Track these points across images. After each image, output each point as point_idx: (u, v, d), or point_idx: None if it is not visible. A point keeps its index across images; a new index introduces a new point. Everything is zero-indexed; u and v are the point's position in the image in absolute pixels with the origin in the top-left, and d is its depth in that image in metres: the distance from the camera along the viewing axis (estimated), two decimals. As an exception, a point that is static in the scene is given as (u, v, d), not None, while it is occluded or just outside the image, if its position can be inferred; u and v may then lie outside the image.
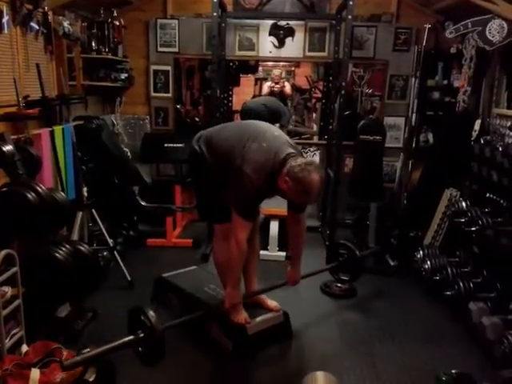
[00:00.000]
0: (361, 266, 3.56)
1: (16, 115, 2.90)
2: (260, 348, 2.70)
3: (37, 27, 3.20)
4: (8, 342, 2.27)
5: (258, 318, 2.74)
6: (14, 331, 2.35)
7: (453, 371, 2.06)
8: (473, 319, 2.83)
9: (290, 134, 6.27)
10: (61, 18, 3.53)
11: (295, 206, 2.64)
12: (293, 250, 2.92)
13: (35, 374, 2.03)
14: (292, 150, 2.46)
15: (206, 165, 2.60)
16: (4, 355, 2.19)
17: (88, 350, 2.24)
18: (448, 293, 3.16)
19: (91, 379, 2.23)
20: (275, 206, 3.77)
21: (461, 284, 3.08)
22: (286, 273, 2.96)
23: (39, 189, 2.53)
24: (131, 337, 2.28)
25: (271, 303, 2.87)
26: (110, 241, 3.52)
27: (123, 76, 4.64)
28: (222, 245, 2.71)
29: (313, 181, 2.31)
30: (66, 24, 3.53)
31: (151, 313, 2.28)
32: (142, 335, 2.27)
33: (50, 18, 3.32)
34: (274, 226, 4.18)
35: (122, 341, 2.25)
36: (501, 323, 2.64)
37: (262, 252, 4.01)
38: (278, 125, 4.65)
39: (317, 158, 5.39)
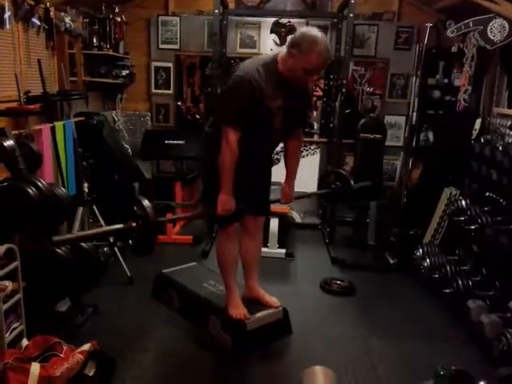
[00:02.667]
0: (353, 195, 3.27)
1: (17, 110, 2.90)
2: (259, 344, 2.71)
3: (38, 23, 3.20)
4: (8, 336, 2.28)
5: (258, 314, 2.75)
6: (15, 325, 2.36)
7: (451, 368, 2.07)
8: (471, 317, 2.84)
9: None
10: (62, 14, 3.53)
11: (299, 113, 2.55)
12: (289, 167, 2.78)
13: (35, 367, 2.04)
14: None
15: (210, 142, 2.55)
16: (4, 349, 2.19)
17: (89, 345, 2.26)
18: (447, 291, 3.17)
19: (90, 374, 2.24)
20: (275, 203, 3.78)
21: (460, 282, 3.09)
22: (280, 190, 2.86)
23: (40, 184, 2.53)
24: (122, 225, 2.15)
25: (270, 299, 2.87)
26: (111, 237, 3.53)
27: (124, 72, 4.64)
28: (225, 244, 2.72)
29: (316, 34, 2.28)
30: (67, 20, 3.54)
31: (146, 201, 2.15)
32: (134, 224, 2.13)
33: (52, 13, 3.32)
34: (274, 224, 4.19)
35: (114, 227, 2.14)
36: (499, 321, 2.65)
37: (262, 249, 4.02)
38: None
39: (317, 156, 5.40)
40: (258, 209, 2.77)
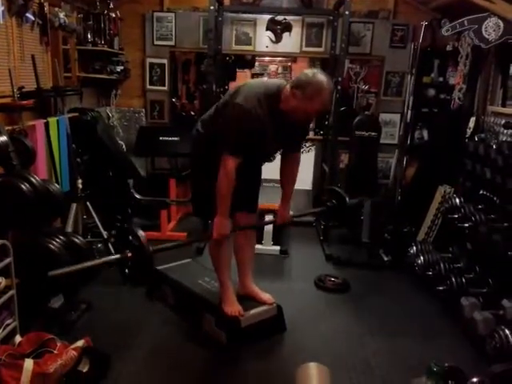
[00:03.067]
0: (348, 212, 3.30)
1: (10, 106, 2.88)
2: (253, 340, 2.72)
3: (32, 18, 3.17)
4: (1, 333, 2.27)
5: (252, 311, 2.76)
6: (8, 322, 2.35)
7: (444, 364, 2.08)
8: (465, 314, 2.86)
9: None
10: (56, 9, 3.51)
11: (293, 142, 2.61)
12: (285, 188, 2.82)
13: (29, 364, 2.03)
14: (284, 81, 2.44)
15: (204, 144, 2.57)
16: (-3, 345, 2.19)
17: (83, 341, 2.26)
18: (440, 288, 3.19)
19: (84, 370, 2.24)
20: (270, 201, 3.78)
21: (453, 279, 3.11)
22: (277, 211, 2.89)
23: (33, 180, 2.53)
24: (118, 255, 2.21)
25: (265, 296, 2.88)
26: (105, 233, 3.52)
27: (119, 68, 4.61)
28: (218, 241, 2.71)
29: (323, 80, 2.27)
30: (61, 15, 3.51)
31: (140, 232, 2.20)
32: (130, 254, 2.19)
33: (46, 9, 3.30)
34: (272, 218, 4.18)
35: (111, 257, 2.21)
36: (492, 318, 2.66)
37: (256, 246, 4.03)
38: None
39: (312, 154, 5.41)
40: (248, 206, 2.78)
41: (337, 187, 3.33)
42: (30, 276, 2.50)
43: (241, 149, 2.36)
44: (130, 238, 2.22)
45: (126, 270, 2.28)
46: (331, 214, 3.26)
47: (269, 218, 4.08)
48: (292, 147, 2.67)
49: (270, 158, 2.72)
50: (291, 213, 2.98)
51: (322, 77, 2.29)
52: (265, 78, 7.10)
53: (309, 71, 2.34)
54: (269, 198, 3.55)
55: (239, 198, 2.54)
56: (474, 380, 2.10)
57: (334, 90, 4.22)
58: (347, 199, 3.12)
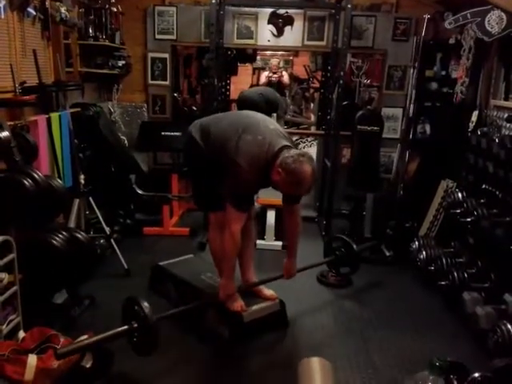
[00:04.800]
0: (358, 259, 3.54)
1: (12, 101, 2.87)
2: (256, 336, 2.73)
3: (34, 13, 3.16)
4: (5, 328, 2.28)
5: (255, 307, 2.77)
6: (11, 317, 2.36)
7: (446, 359, 2.08)
8: (467, 309, 2.86)
9: (288, 124, 6.28)
10: (58, 3, 3.48)
11: (289, 198, 2.65)
12: (288, 241, 2.93)
13: (32, 359, 2.04)
14: (286, 143, 2.47)
15: (201, 152, 2.61)
16: (1, 341, 2.20)
17: (86, 336, 2.26)
18: (443, 283, 3.19)
19: (88, 366, 2.25)
20: (272, 195, 3.78)
21: (455, 274, 3.11)
22: (283, 265, 2.97)
23: (36, 176, 2.53)
24: (125, 327, 2.30)
25: (267, 292, 2.89)
26: (107, 229, 3.53)
27: (120, 63, 4.60)
28: (218, 234, 2.73)
29: (305, 172, 2.32)
30: (63, 10, 3.49)
31: (145, 304, 2.30)
32: (135, 325, 2.29)
33: (47, 3, 3.28)
34: (271, 216, 4.19)
35: (115, 331, 2.27)
36: (494, 313, 2.67)
37: (258, 241, 4.04)
38: (274, 115, 4.63)
39: (314, 148, 5.40)
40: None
41: (344, 235, 3.58)
42: (33, 272, 2.51)
43: (244, 205, 2.52)
44: (136, 308, 2.31)
45: (135, 339, 2.34)
46: (340, 261, 3.52)
47: (271, 213, 4.12)
48: (288, 200, 2.70)
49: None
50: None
51: (306, 167, 2.33)
52: (265, 73, 7.09)
53: (296, 156, 2.34)
54: (270, 194, 3.55)
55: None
56: (476, 375, 2.10)
57: (337, 85, 4.22)
58: (354, 246, 3.38)
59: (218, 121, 2.70)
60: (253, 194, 2.65)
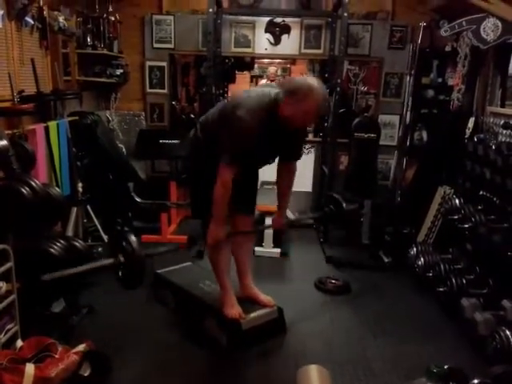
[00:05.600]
0: (346, 217, 3.41)
1: (10, 110, 2.89)
2: (254, 343, 2.71)
3: (32, 22, 3.18)
4: (3, 337, 2.26)
5: (252, 314, 2.76)
6: (9, 326, 2.34)
7: (444, 366, 2.08)
8: (465, 315, 2.86)
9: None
10: (56, 12, 3.51)
11: (291, 152, 2.65)
12: (281, 197, 2.85)
13: (30, 368, 2.03)
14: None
15: (200, 147, 2.60)
16: (-1, 350, 2.19)
17: (84, 345, 2.26)
18: (441, 289, 3.19)
19: (86, 374, 2.24)
20: (270, 202, 3.79)
21: (453, 280, 3.10)
22: (272, 218, 3.01)
23: (34, 184, 2.52)
24: (111, 260, 2.32)
25: (265, 298, 2.88)
26: (105, 237, 3.52)
27: (118, 72, 4.62)
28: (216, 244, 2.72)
29: (312, 83, 2.31)
30: (61, 19, 3.52)
31: (133, 237, 2.29)
32: (122, 259, 2.29)
33: (45, 12, 3.31)
34: (269, 223, 4.18)
35: (104, 262, 2.30)
36: (493, 319, 2.66)
37: (256, 248, 4.05)
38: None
39: (312, 156, 5.41)
40: (246, 208, 2.82)
41: (334, 193, 3.42)
42: (30, 280, 2.50)
43: (238, 159, 2.39)
44: (123, 243, 2.28)
45: (120, 274, 2.31)
46: (329, 219, 3.46)
47: (268, 221, 4.12)
48: (289, 156, 2.69)
49: (268, 163, 2.72)
50: (290, 215, 3.02)
51: (311, 79, 2.36)
52: (263, 81, 7.14)
53: (298, 77, 2.38)
54: (268, 200, 3.56)
55: (237, 200, 2.55)
56: (475, 381, 2.09)
57: (334, 93, 4.24)
58: (344, 205, 3.23)
59: (218, 104, 2.76)
60: (254, 152, 2.41)
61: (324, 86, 2.39)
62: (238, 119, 2.33)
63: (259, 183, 3.02)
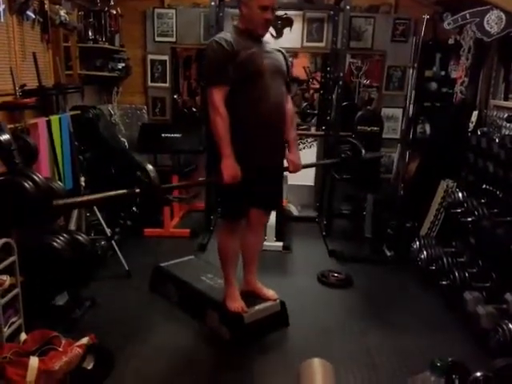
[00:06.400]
0: (363, 165, 3.26)
1: (13, 104, 2.88)
2: (257, 337, 2.73)
3: (33, 16, 3.17)
4: (7, 331, 2.28)
5: (255, 307, 2.77)
6: (13, 320, 2.36)
7: (448, 359, 2.08)
8: (468, 308, 2.86)
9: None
10: (57, 6, 3.49)
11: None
12: (288, 134, 2.68)
13: (34, 361, 2.04)
14: None
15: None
16: (3, 343, 2.20)
17: (87, 338, 2.27)
18: (444, 282, 3.19)
19: (89, 367, 2.25)
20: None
21: (456, 274, 3.10)
22: (286, 158, 2.73)
23: (36, 178, 2.52)
24: (126, 190, 2.16)
25: (268, 292, 2.89)
26: (108, 230, 3.53)
27: (120, 66, 4.60)
28: (228, 237, 2.72)
29: None
30: (62, 13, 3.50)
31: (150, 167, 2.16)
32: (138, 190, 2.14)
33: (47, 6, 3.28)
34: (272, 217, 4.19)
35: (119, 192, 2.11)
36: (495, 312, 2.67)
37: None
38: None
39: (314, 149, 5.41)
40: (269, 202, 2.76)
41: (353, 139, 3.21)
42: (34, 274, 2.51)
43: (219, 74, 2.38)
44: (138, 173, 2.15)
45: (134, 208, 2.20)
46: (344, 165, 3.21)
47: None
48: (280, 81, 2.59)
49: (276, 102, 2.53)
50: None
51: None
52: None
53: None
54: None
55: (260, 193, 2.54)
56: (478, 374, 2.10)
57: (337, 86, 4.21)
58: (363, 151, 3.03)
59: None
60: (232, 65, 2.38)
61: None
62: (207, 44, 2.47)
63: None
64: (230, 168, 2.40)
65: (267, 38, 4.47)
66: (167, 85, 4.99)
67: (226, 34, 2.46)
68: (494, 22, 3.28)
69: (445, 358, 1.94)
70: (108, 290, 3.25)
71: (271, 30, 4.75)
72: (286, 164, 2.74)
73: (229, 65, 2.37)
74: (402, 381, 2.34)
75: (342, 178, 3.26)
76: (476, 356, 2.56)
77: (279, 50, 2.66)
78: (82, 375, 2.20)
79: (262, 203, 2.69)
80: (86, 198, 2.03)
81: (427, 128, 4.54)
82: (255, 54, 2.44)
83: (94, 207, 3.49)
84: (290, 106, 2.70)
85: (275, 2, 2.47)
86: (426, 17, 4.14)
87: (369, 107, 5.01)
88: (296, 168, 2.73)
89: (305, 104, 5.97)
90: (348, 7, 4.05)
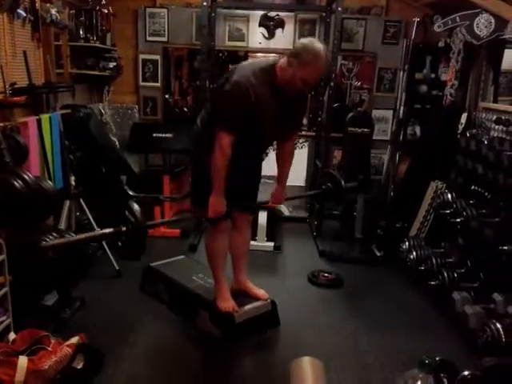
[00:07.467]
0: (343, 195, 3.30)
1: (2, 103, 2.86)
2: (248, 336, 2.73)
3: (24, 14, 3.15)
4: (-5, 330, 2.27)
5: (246, 307, 2.77)
6: (2, 319, 2.34)
7: (436, 358, 2.10)
8: (456, 308, 2.89)
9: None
10: (48, 5, 3.48)
11: (291, 123, 2.59)
12: (281, 170, 2.78)
13: (23, 361, 2.03)
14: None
15: (201, 138, 2.55)
16: (-9, 343, 2.19)
17: (77, 338, 2.26)
18: (432, 283, 3.22)
19: (79, 367, 2.24)
20: (263, 197, 3.79)
21: (445, 274, 3.13)
22: (271, 192, 2.86)
23: (26, 177, 2.51)
24: (112, 229, 2.22)
25: (259, 292, 2.89)
26: (98, 230, 3.51)
27: (111, 65, 4.59)
28: (215, 238, 2.73)
29: (319, 47, 2.25)
30: (53, 11, 3.48)
31: (136, 206, 2.21)
32: (124, 228, 2.20)
33: (38, 5, 3.27)
34: (262, 217, 4.20)
35: (105, 231, 2.18)
36: (483, 312, 2.69)
37: (250, 242, 4.04)
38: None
39: (305, 150, 5.42)
40: (246, 205, 2.79)
41: (332, 170, 3.32)
42: (23, 273, 2.49)
43: (236, 123, 2.32)
44: (126, 212, 2.20)
45: (119, 243, 2.26)
46: (326, 196, 3.27)
47: (262, 214, 4.12)
48: (290, 126, 2.62)
49: (268, 144, 2.65)
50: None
51: (318, 44, 2.27)
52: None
53: (305, 39, 2.33)
54: (263, 195, 3.55)
55: (238, 196, 2.55)
56: (466, 373, 2.12)
57: (328, 88, 4.24)
58: (343, 182, 3.12)
59: None
60: (252, 117, 2.34)
61: (328, 50, 2.35)
62: (232, 83, 2.30)
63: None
64: (218, 205, 2.46)
65: (260, 39, 4.51)
66: (158, 84, 4.98)
67: (254, 76, 2.31)
68: (483, 25, 3.32)
69: (433, 357, 1.96)
70: (98, 290, 3.23)
71: (263, 31, 4.77)
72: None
73: (245, 114, 2.32)
74: (390, 379, 2.37)
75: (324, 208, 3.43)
76: (464, 355, 2.59)
77: (300, 96, 2.53)
78: (72, 375, 2.18)
79: (240, 205, 2.69)
80: (74, 238, 2.12)
81: (417, 130, 4.59)
82: (270, 109, 2.38)
83: (84, 207, 3.48)
84: (291, 144, 2.73)
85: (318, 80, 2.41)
86: (417, 19, 4.18)
87: (360, 109, 5.04)
88: (278, 202, 2.89)
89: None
90: (340, 9, 4.07)
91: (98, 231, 2.17)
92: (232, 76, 2.34)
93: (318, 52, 2.24)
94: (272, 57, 2.56)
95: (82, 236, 2.12)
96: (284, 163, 2.76)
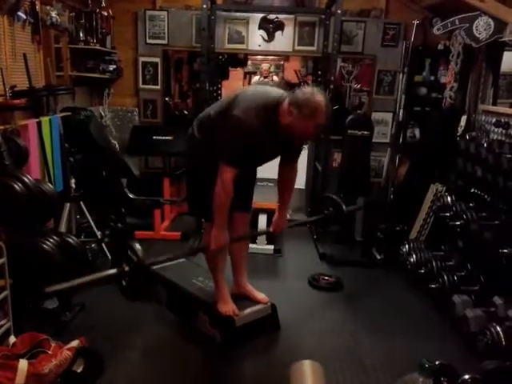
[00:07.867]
0: (346, 219, 3.44)
1: (3, 105, 2.86)
2: (248, 339, 2.73)
3: (24, 17, 3.15)
4: (-5, 334, 2.26)
5: (246, 310, 2.77)
6: (2, 322, 2.34)
7: (436, 362, 2.10)
8: (456, 311, 2.88)
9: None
10: (48, 7, 3.49)
11: (291, 152, 2.61)
12: (282, 197, 2.83)
13: (23, 364, 2.03)
14: (285, 92, 2.40)
15: (200, 149, 2.56)
16: (-9, 346, 2.18)
17: (77, 341, 2.26)
18: (433, 286, 3.22)
19: (79, 370, 2.24)
20: (263, 199, 3.81)
21: (445, 277, 3.13)
22: (272, 219, 2.91)
23: (26, 180, 2.51)
24: (115, 270, 2.26)
25: (259, 295, 2.89)
26: (98, 233, 3.51)
27: (111, 67, 4.60)
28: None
29: (319, 101, 2.23)
30: (53, 14, 3.49)
31: (137, 246, 2.24)
32: (127, 269, 2.23)
33: (38, 7, 3.28)
34: (263, 220, 4.19)
35: (108, 272, 2.24)
36: (484, 315, 2.69)
37: (250, 245, 4.03)
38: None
39: (305, 153, 5.42)
40: (242, 205, 2.79)
41: (333, 195, 3.38)
42: (23, 277, 2.49)
43: (238, 160, 2.36)
44: (128, 252, 2.24)
45: (123, 283, 2.30)
46: (329, 221, 3.39)
47: (263, 217, 4.12)
48: (290, 158, 2.67)
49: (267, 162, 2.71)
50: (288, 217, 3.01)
51: (319, 98, 2.25)
52: (256, 77, 7.14)
53: (308, 90, 2.30)
54: (264, 198, 3.56)
55: (234, 196, 2.55)
56: (466, 377, 2.12)
57: (327, 90, 4.24)
58: (344, 207, 3.20)
59: (216, 103, 2.73)
60: (254, 153, 2.39)
61: (329, 102, 2.33)
62: (236, 119, 2.30)
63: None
64: (220, 240, 2.52)
65: (259, 41, 4.52)
66: (158, 87, 4.98)
67: (257, 116, 2.30)
68: (482, 27, 3.33)
69: (433, 360, 1.96)
70: (98, 294, 3.21)
71: (263, 33, 4.78)
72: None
73: (246, 152, 2.35)
74: (390, 382, 2.36)
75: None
76: (464, 359, 2.58)
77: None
78: (72, 378, 2.18)
79: (236, 205, 2.67)
80: (76, 282, 2.13)
81: (417, 132, 4.59)
82: (271, 146, 2.44)
83: (84, 209, 3.48)
84: (294, 172, 2.75)
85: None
86: (416, 22, 4.19)
87: (359, 111, 5.05)
88: (279, 230, 2.92)
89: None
90: (339, 11, 4.08)
91: (104, 272, 2.25)
92: (235, 107, 2.33)
93: (318, 106, 2.23)
94: (275, 88, 2.52)
95: (87, 278, 2.17)
96: (285, 191, 2.80)
